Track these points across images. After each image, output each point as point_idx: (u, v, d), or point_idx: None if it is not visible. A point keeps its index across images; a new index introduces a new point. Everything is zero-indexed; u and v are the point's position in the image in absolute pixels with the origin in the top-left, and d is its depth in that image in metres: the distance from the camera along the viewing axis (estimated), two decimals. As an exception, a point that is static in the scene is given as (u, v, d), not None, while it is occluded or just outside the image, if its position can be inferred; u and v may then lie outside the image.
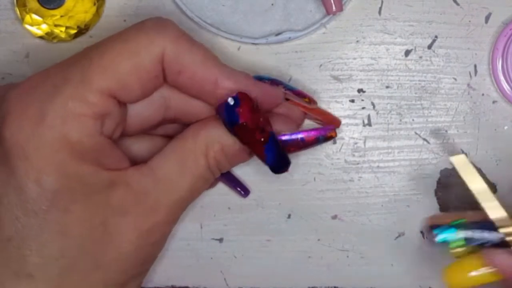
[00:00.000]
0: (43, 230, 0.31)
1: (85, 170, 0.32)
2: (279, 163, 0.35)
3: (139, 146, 0.37)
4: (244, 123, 0.33)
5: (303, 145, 0.37)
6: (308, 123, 0.40)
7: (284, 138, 0.36)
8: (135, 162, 0.35)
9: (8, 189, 0.31)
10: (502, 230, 0.31)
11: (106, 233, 0.32)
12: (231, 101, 0.33)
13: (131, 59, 0.32)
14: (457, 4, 0.41)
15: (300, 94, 0.38)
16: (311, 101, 0.39)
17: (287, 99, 0.37)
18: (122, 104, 0.34)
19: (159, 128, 0.38)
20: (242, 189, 0.42)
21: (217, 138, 0.34)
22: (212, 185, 0.41)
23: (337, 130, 0.41)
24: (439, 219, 0.34)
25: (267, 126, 0.34)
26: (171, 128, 0.38)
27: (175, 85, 0.34)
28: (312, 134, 0.37)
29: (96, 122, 0.32)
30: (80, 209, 0.32)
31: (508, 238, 0.31)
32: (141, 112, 0.35)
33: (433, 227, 0.34)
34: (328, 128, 0.37)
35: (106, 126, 0.33)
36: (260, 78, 0.36)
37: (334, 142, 0.42)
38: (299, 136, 0.36)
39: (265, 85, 0.36)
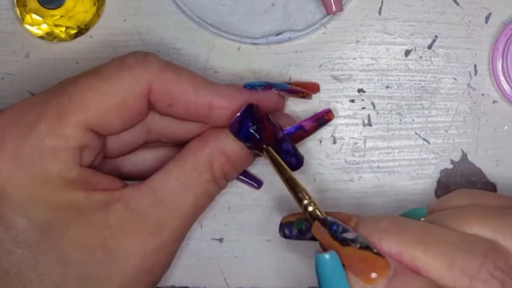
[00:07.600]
0: (39, 260, 0.31)
1: (74, 197, 0.31)
2: (298, 159, 0.36)
3: (129, 161, 0.37)
4: (264, 136, 0.34)
5: (306, 134, 0.38)
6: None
7: (287, 131, 0.37)
8: (127, 176, 0.34)
9: None
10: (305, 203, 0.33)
11: (108, 255, 0.32)
12: (250, 126, 0.33)
13: (114, 98, 0.32)
14: (457, 4, 0.41)
15: (293, 92, 0.38)
16: (306, 94, 0.39)
17: None
18: (102, 136, 0.33)
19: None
20: (255, 182, 0.41)
21: (222, 149, 0.34)
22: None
23: (337, 130, 0.41)
24: (290, 217, 0.36)
25: (279, 131, 0.35)
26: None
27: (168, 115, 0.34)
28: (312, 121, 0.39)
29: (74, 154, 0.31)
30: (75, 233, 0.31)
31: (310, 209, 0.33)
32: (121, 138, 0.35)
33: (283, 224, 0.36)
34: (324, 112, 0.39)
35: (85, 157, 0.32)
36: (252, 86, 0.35)
37: (334, 142, 0.42)
38: (301, 126, 0.38)
39: (259, 93, 0.35)
